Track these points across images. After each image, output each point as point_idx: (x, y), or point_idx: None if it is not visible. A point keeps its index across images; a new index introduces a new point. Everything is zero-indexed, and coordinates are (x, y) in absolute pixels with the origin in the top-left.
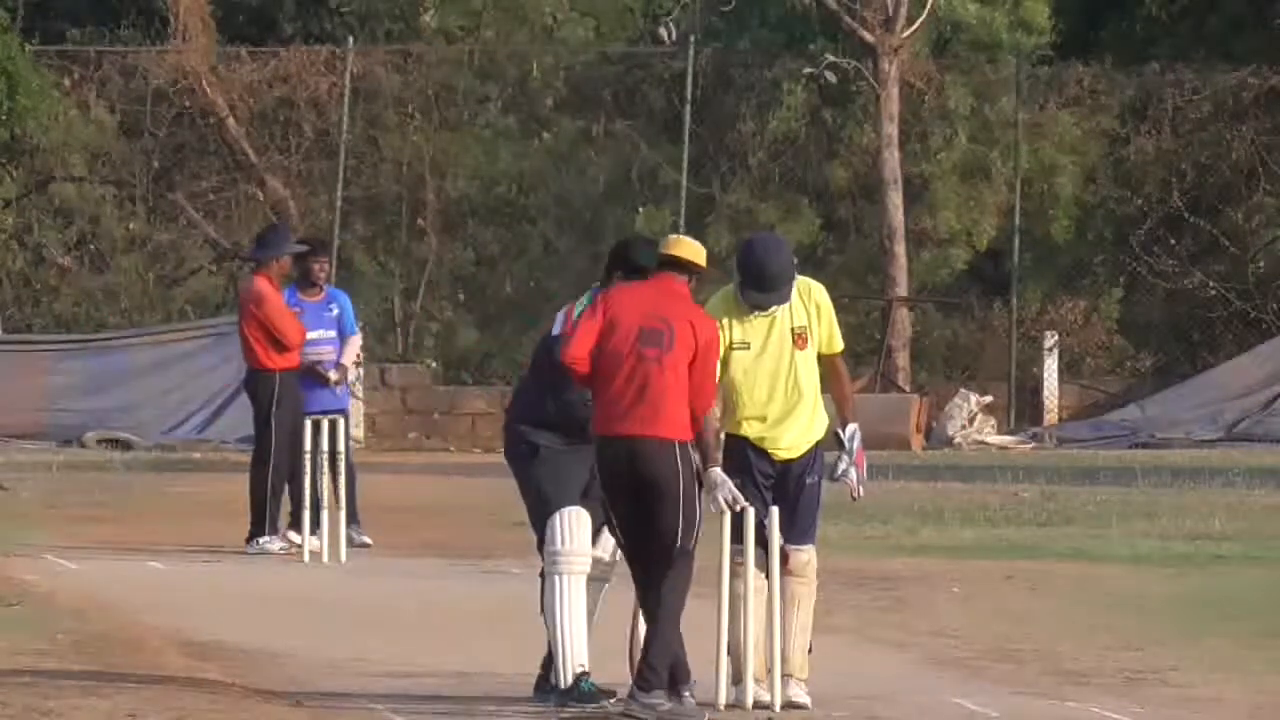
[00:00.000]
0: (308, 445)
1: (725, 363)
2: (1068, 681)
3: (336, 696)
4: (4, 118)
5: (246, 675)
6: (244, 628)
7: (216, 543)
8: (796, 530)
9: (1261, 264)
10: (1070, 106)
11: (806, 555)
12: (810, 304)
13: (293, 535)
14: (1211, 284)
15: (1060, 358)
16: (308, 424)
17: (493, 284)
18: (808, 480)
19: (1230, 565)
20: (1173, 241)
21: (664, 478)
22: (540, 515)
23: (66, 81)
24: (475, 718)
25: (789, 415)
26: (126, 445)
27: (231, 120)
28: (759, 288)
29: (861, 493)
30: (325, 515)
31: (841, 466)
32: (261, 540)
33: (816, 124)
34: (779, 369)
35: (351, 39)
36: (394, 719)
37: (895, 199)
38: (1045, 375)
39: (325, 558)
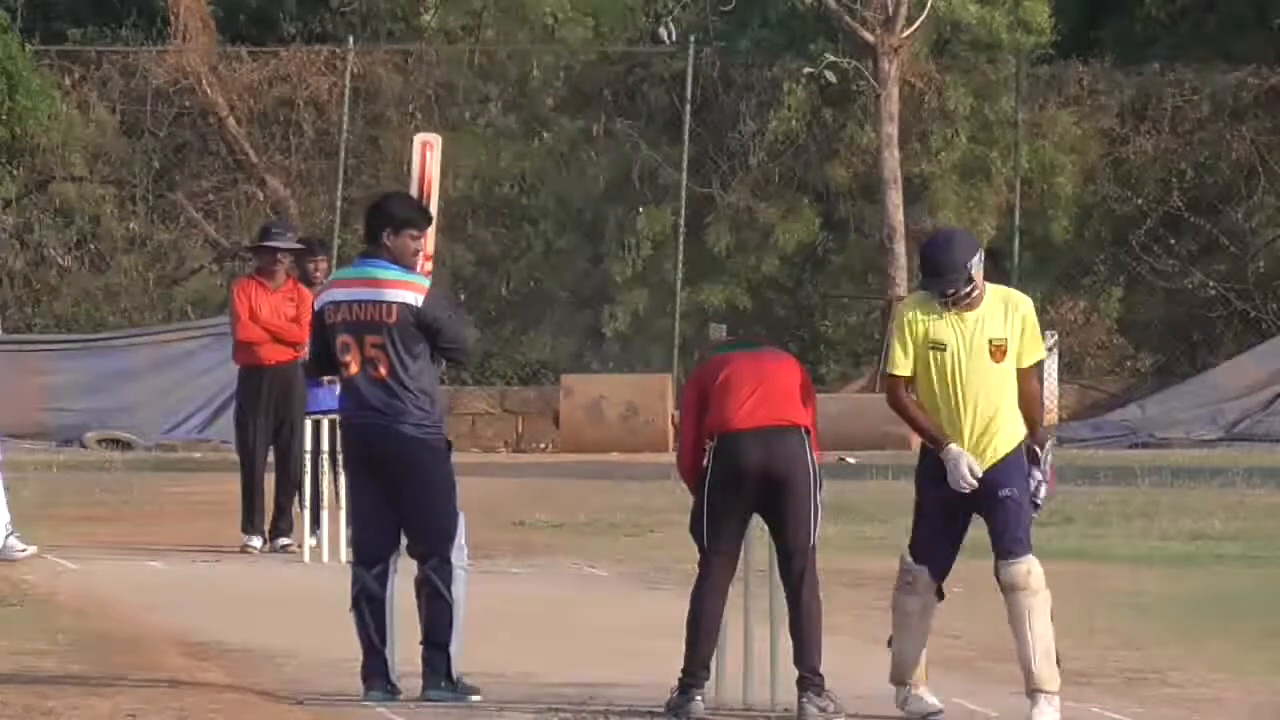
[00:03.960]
0: (308, 445)
1: (922, 362)
2: (1068, 681)
3: (336, 696)
4: (4, 118)
5: (246, 675)
6: (244, 628)
7: (216, 543)
8: (1006, 542)
9: (1261, 264)
10: (1070, 106)
11: (1025, 566)
12: (1015, 316)
13: (254, 541)
14: (1211, 284)
15: (1060, 358)
16: (308, 424)
17: (493, 284)
18: (1002, 493)
19: (1230, 565)
20: (1172, 241)
21: None
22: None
23: (66, 81)
24: (475, 717)
25: (984, 427)
26: (126, 445)
27: (231, 120)
28: (930, 273)
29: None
30: (325, 515)
31: (1034, 482)
32: (243, 538)
33: (816, 124)
34: (973, 378)
35: (352, 39)
36: (393, 719)
37: (895, 198)
38: (1045, 375)
39: (325, 558)
